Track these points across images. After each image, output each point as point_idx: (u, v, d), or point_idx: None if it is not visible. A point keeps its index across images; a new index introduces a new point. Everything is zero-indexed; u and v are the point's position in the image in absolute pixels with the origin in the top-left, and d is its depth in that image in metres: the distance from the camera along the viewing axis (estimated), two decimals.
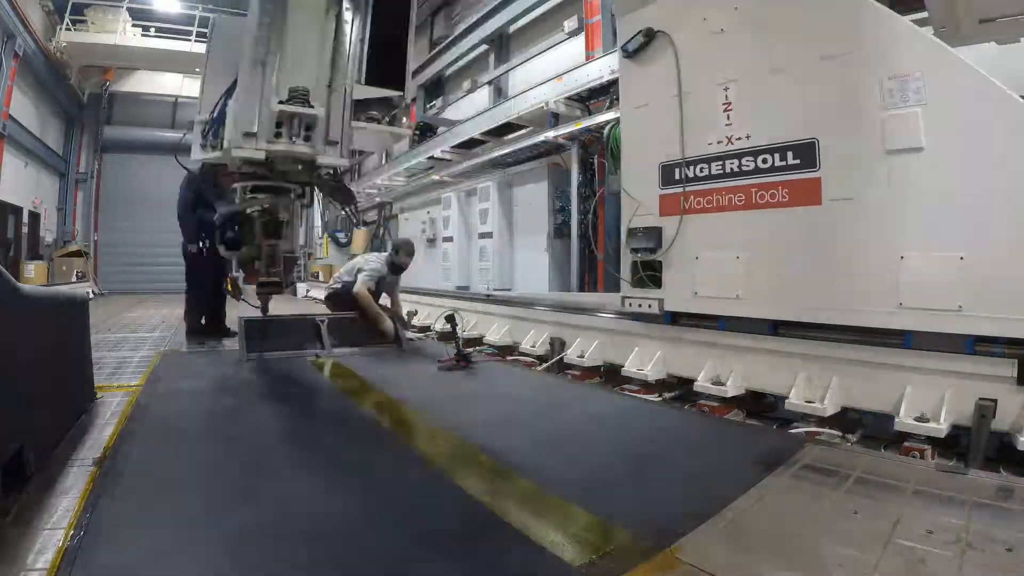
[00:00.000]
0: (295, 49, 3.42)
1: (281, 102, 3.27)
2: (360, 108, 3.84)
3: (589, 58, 8.34)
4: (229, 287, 4.80)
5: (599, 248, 8.73)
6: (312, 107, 3.36)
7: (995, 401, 2.92)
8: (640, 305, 4.66)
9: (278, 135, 3.29)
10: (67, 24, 15.38)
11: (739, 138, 4.00)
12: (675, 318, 4.54)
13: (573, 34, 9.70)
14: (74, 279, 15.64)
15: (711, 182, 4.18)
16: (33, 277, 13.84)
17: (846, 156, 3.50)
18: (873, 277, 3.38)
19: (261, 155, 3.28)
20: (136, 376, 4.64)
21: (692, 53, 4.31)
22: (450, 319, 5.13)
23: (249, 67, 3.32)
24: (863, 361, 3.47)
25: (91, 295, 13.67)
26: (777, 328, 3.87)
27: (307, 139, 3.35)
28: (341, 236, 20.08)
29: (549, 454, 2.84)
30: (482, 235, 10.12)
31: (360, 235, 19.11)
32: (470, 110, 11.40)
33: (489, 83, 12.05)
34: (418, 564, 1.79)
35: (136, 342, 6.85)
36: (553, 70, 8.39)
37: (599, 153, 8.90)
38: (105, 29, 15.83)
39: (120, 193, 19.11)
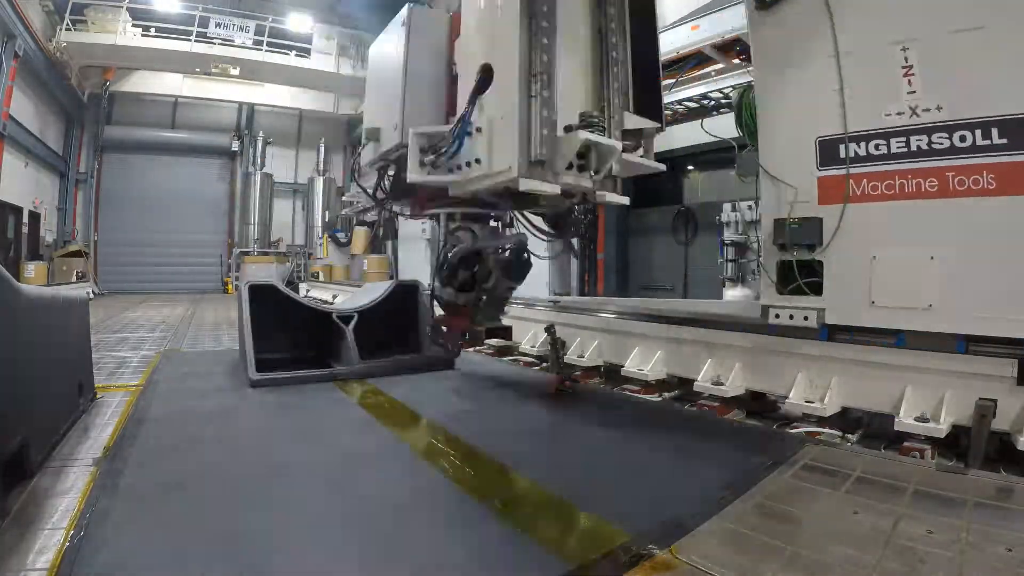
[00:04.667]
0: (566, 68, 2.88)
1: (569, 128, 2.73)
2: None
3: None
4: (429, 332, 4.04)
5: (599, 247, 8.74)
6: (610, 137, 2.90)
7: (995, 401, 2.92)
8: (792, 316, 3.71)
9: (569, 166, 2.76)
10: (67, 24, 15.38)
11: (927, 109, 3.26)
12: (832, 332, 3.65)
13: None
14: (74, 279, 15.65)
15: (891, 162, 3.40)
16: (33, 277, 13.84)
17: None
18: None
19: (557, 190, 2.74)
20: (136, 376, 4.64)
21: (852, 2, 3.56)
22: (550, 332, 4.28)
23: (521, 80, 2.71)
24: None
25: (91, 295, 13.69)
26: (968, 345, 3.16)
27: (596, 173, 2.83)
28: (341, 236, 20.11)
29: (548, 451, 2.84)
30: None
31: (360, 235, 19.14)
32: None
33: None
34: None
35: (136, 342, 6.85)
36: None
37: None
38: (105, 29, 15.83)
39: (120, 193, 19.16)
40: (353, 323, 4.68)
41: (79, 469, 2.52)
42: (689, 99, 7.61)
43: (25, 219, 14.78)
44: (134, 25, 16.45)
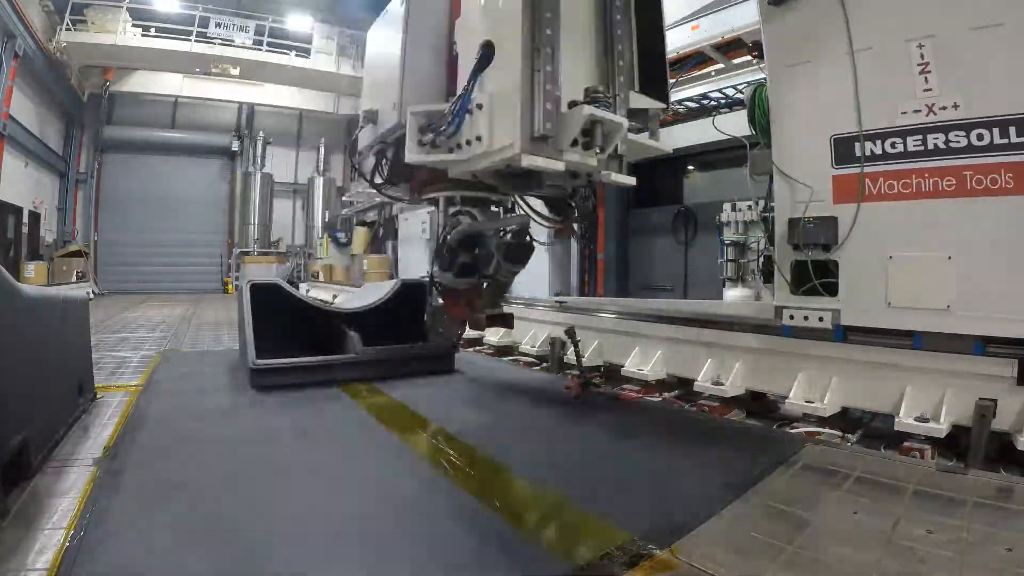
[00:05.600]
0: (568, 41, 2.76)
1: (573, 103, 2.63)
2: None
3: None
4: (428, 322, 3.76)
5: (599, 247, 8.73)
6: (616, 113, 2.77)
7: (995, 401, 2.92)
8: (807, 317, 3.65)
9: (574, 143, 2.62)
10: (67, 24, 15.39)
11: (944, 107, 3.23)
12: (847, 333, 3.59)
13: None
14: (74, 279, 15.66)
15: (908, 161, 3.35)
16: (33, 277, 13.85)
17: None
18: None
19: (560, 166, 2.62)
20: (136, 376, 4.65)
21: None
22: (570, 334, 4.21)
23: (524, 55, 2.58)
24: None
25: (91, 295, 13.69)
26: (987, 346, 3.13)
27: (601, 151, 2.70)
28: (341, 236, 20.10)
29: (548, 451, 2.84)
30: None
31: (360, 235, 19.13)
32: None
33: None
34: None
35: (136, 342, 6.85)
36: None
37: None
38: (105, 29, 15.84)
39: (120, 193, 19.18)
40: (358, 322, 4.60)
41: (79, 469, 2.52)
42: (689, 99, 7.60)
43: (25, 219, 14.79)
44: (134, 25, 16.47)
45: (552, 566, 1.76)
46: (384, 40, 3.65)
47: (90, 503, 2.13)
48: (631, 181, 3.04)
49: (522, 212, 3.60)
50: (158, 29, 16.57)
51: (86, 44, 15.74)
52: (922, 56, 3.30)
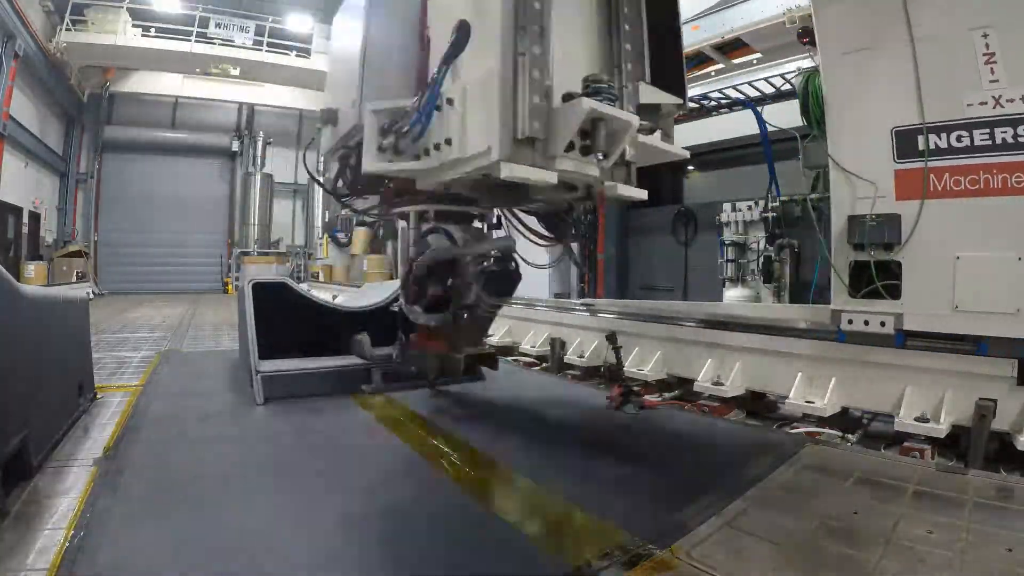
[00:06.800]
0: (563, 18, 2.25)
1: (569, 96, 2.06)
2: None
3: None
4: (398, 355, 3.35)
5: (599, 248, 8.72)
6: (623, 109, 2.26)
7: (995, 401, 2.92)
8: (867, 322, 3.43)
9: (569, 147, 2.09)
10: (67, 24, 15.38)
11: (1011, 100, 3.07)
12: (908, 339, 3.37)
13: None
14: (74, 279, 15.65)
15: (975, 155, 3.17)
16: (33, 277, 13.83)
17: None
18: None
19: (552, 178, 2.07)
20: (136, 376, 4.64)
21: None
22: (611, 340, 3.82)
23: (505, 33, 2.05)
24: None
25: (91, 295, 13.68)
26: None
27: (605, 157, 2.18)
28: (341, 236, 20.09)
29: (548, 451, 2.84)
30: None
31: (360, 235, 19.12)
32: None
33: None
34: None
35: (136, 342, 6.84)
36: None
37: None
38: (105, 29, 15.83)
39: (120, 193, 19.16)
40: (366, 322, 4.27)
41: (79, 469, 2.52)
42: (689, 99, 7.64)
43: (25, 219, 14.77)
44: (134, 25, 16.45)
45: (552, 566, 1.76)
46: (347, 28, 3.16)
47: (90, 503, 2.13)
48: (642, 195, 2.48)
49: (510, 231, 3.07)
50: (158, 29, 16.55)
51: (86, 44, 15.72)
52: (987, 46, 3.12)
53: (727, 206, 8.48)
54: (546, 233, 3.17)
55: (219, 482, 2.42)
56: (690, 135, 7.99)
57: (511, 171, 1.99)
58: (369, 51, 2.67)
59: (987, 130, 3.13)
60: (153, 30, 16.59)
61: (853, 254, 3.53)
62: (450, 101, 2.21)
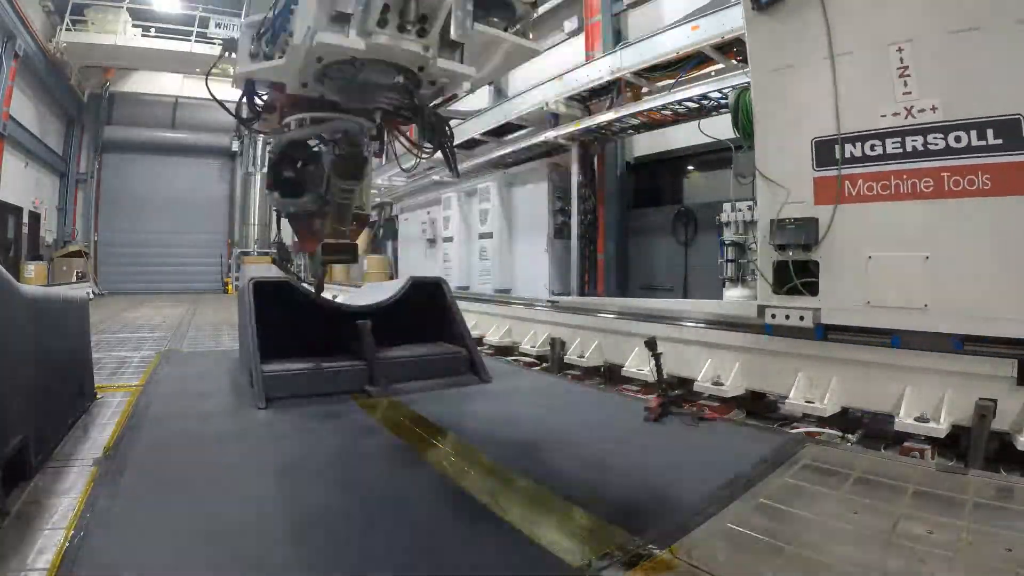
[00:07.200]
0: None
1: None
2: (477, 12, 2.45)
3: (589, 58, 8.36)
4: (273, 257, 3.48)
5: (599, 248, 8.73)
6: None
7: (995, 401, 2.92)
8: (788, 316, 3.71)
9: (382, 22, 2.14)
10: (67, 24, 15.38)
11: (922, 110, 3.27)
12: (827, 332, 3.66)
13: (573, 34, 9.71)
14: (74, 279, 15.65)
15: (887, 163, 3.40)
16: (33, 277, 13.83)
17: None
18: None
19: (361, 45, 2.15)
20: (136, 376, 4.65)
21: (848, 5, 3.55)
22: (651, 345, 3.74)
23: None
24: None
25: (91, 295, 13.68)
26: (965, 344, 3.16)
27: (421, 34, 2.21)
28: None
29: (548, 453, 2.84)
30: (482, 235, 10.17)
31: (360, 235, 19.11)
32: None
33: (489, 83, 12.06)
34: None
35: (136, 342, 6.85)
36: (553, 70, 8.39)
37: (599, 154, 8.94)
38: (105, 29, 15.83)
39: (120, 193, 19.15)
40: (371, 322, 4.28)
41: (79, 469, 2.52)
42: (689, 99, 7.61)
43: (25, 219, 14.77)
44: (134, 25, 16.46)
45: (552, 566, 1.76)
46: None
47: (90, 503, 2.13)
48: (471, 72, 2.50)
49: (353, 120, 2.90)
50: (158, 29, 16.55)
51: (86, 44, 15.72)
52: (901, 60, 3.33)
53: (727, 206, 8.48)
54: (426, 144, 3.09)
55: (219, 481, 2.42)
56: (690, 135, 7.99)
57: (324, 40, 2.09)
58: None
59: (899, 139, 3.36)
60: (153, 30, 16.59)
61: (776, 254, 3.84)
62: None
